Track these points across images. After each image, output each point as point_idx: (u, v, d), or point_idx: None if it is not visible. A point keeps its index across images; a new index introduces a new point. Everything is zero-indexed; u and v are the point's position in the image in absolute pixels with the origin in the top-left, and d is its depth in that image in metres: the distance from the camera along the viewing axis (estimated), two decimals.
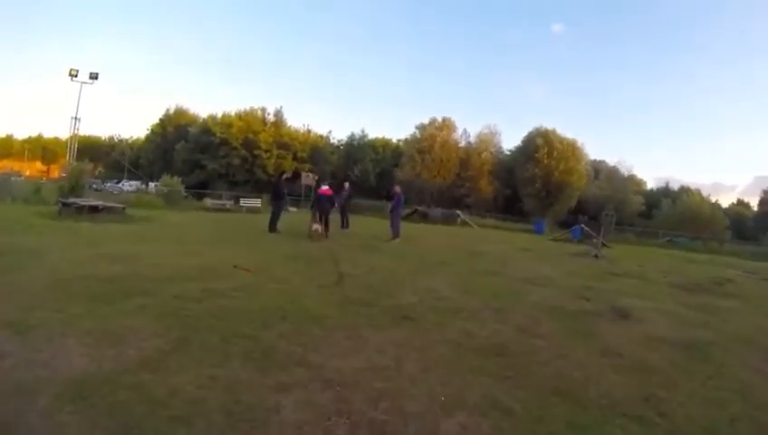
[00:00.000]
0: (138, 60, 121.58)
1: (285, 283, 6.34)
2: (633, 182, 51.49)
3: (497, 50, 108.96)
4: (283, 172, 19.09)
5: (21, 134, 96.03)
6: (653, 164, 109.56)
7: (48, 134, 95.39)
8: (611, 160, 55.15)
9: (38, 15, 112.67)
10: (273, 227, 14.04)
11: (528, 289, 7.62)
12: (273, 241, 11.88)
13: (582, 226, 28.10)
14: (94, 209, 14.95)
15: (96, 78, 25.49)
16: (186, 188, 39.57)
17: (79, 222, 13.13)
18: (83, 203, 15.33)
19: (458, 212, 35.47)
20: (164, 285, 5.61)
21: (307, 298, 5.61)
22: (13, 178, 24.41)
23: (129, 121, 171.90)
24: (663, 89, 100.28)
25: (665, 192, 54.41)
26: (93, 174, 76.08)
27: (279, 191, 15.18)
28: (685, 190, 51.47)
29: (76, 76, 25.08)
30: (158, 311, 4.58)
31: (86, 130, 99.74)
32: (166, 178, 27.12)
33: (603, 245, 18.43)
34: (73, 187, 19.63)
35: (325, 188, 14.55)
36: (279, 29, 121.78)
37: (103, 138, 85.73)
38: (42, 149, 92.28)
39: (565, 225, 40.20)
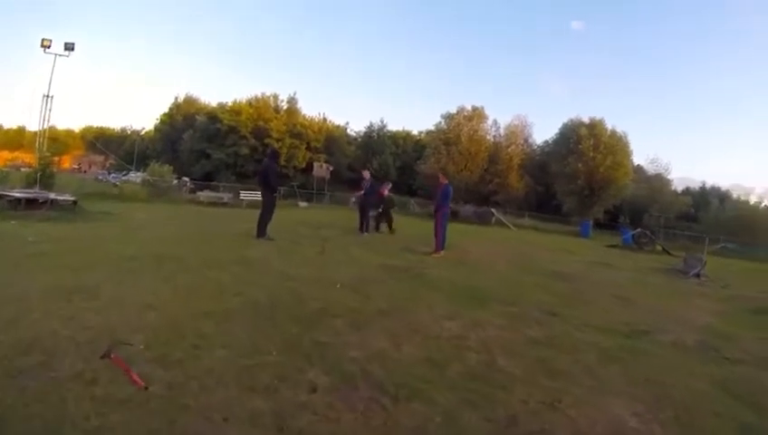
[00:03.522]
0: (151, 49, 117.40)
1: None
2: (666, 182, 46.17)
3: (517, 45, 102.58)
4: (275, 152, 13.79)
5: (33, 126, 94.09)
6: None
7: (61, 126, 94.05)
8: (638, 159, 50.04)
9: None
10: (261, 230, 9.77)
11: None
12: (250, 260, 7.24)
13: (644, 230, 24.07)
14: (32, 203, 11.45)
15: (72, 49, 21.10)
16: (191, 179, 36.82)
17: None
18: (19, 195, 11.79)
19: (493, 210, 31.05)
20: None
21: None
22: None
23: (144, 113, 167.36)
24: (678, 86, 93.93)
25: (701, 193, 49.42)
26: (104, 165, 74.37)
27: (270, 179, 10.17)
28: (722, 194, 47.40)
29: (49, 47, 20.65)
30: None
31: (100, 121, 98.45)
32: (153, 166, 23.36)
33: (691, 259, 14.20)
34: (41, 176, 16.73)
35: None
36: (292, 13, 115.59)
37: (116, 129, 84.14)
38: (52, 140, 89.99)
39: (605, 227, 36.48)
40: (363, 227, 13.03)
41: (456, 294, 6.09)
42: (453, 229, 20.37)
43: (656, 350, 4.67)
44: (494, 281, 7.63)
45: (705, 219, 38.63)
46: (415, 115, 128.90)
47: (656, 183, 44.36)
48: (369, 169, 17.54)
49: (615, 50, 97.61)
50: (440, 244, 10.06)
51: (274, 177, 10.30)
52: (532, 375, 3.48)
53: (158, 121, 59.18)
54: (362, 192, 13.80)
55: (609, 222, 38.83)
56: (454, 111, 48.01)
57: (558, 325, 5.14)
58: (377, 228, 14.04)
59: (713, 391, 3.61)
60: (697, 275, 12.19)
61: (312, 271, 6.65)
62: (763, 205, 40.67)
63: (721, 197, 46.83)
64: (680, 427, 2.93)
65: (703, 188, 49.92)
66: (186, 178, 35.47)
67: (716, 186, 51.44)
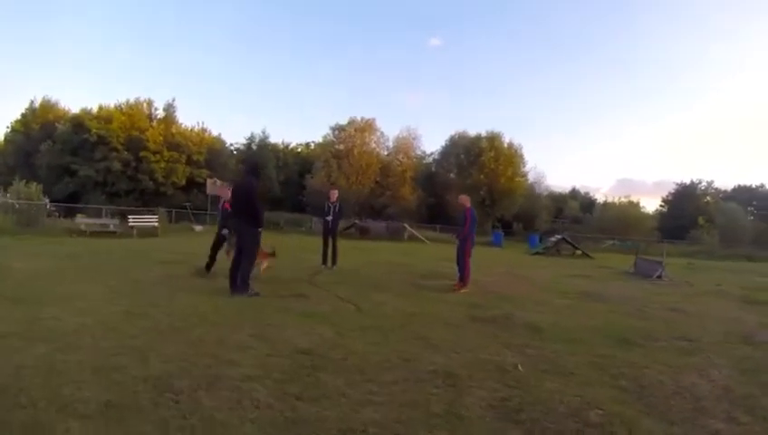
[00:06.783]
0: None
1: None
2: (544, 189, 50.47)
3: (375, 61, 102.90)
4: (256, 166, 9.93)
5: None
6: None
7: None
8: None
9: None
10: (243, 283, 6.88)
11: None
12: (313, 352, 4.06)
13: (562, 236, 25.05)
14: None
15: None
16: (51, 201, 30.15)
17: None
18: None
19: (405, 225, 30.42)
20: None
21: None
22: None
23: None
24: (524, 96, 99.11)
25: (571, 197, 55.13)
26: None
27: (257, 207, 7.13)
28: (588, 197, 53.04)
29: None
30: None
31: None
32: (20, 185, 18.63)
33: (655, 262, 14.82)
34: None
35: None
36: (162, 10, 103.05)
37: None
38: None
39: (507, 236, 37.58)
40: (332, 260, 11.05)
41: (600, 342, 5.15)
42: (388, 249, 19.28)
43: None
44: (578, 317, 6.69)
45: (588, 221, 41.97)
46: (292, 128, 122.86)
47: (535, 190, 47.74)
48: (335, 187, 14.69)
49: (471, 63, 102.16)
50: (468, 276, 8.91)
51: (259, 202, 7.25)
52: None
53: (9, 130, 46.82)
54: (330, 218, 11.09)
55: (504, 229, 40.56)
56: (344, 122, 46.59)
57: (724, 354, 4.89)
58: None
59: None
60: (659, 277, 13.06)
61: (430, 351, 4.36)
62: (627, 202, 45.06)
63: (591, 200, 52.14)
64: None
65: (575, 193, 54.95)
66: (46, 200, 29.44)
67: (577, 188, 57.38)
